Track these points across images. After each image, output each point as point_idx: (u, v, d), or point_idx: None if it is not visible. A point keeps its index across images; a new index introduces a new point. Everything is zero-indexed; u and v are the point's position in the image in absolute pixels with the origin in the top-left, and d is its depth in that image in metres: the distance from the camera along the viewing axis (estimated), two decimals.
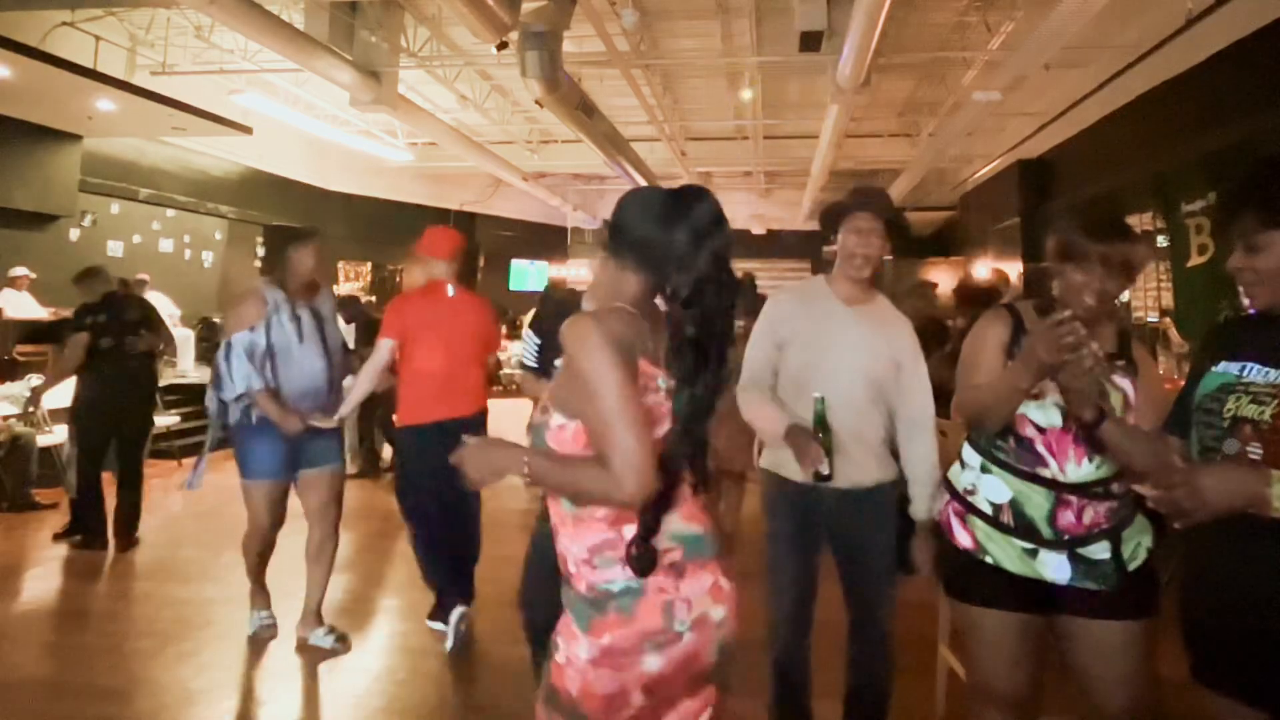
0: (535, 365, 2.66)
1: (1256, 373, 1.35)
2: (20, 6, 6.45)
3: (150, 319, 4.75)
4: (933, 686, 2.67)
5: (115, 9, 6.95)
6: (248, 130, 7.95)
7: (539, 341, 2.68)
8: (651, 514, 1.25)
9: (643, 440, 1.18)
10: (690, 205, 1.34)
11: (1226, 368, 1.40)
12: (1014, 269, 9.68)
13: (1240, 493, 1.24)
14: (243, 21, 5.65)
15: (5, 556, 4.43)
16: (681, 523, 1.30)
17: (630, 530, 1.26)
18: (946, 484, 1.89)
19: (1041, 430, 1.69)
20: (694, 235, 1.31)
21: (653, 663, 1.23)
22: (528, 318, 10.84)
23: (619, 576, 1.25)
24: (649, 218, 1.35)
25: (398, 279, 13.56)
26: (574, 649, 1.26)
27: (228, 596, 3.70)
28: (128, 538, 4.53)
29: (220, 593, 3.81)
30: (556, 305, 3.24)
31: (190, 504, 5.43)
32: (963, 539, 1.78)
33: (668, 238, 1.31)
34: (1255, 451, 1.30)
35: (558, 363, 1.95)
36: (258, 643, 3.24)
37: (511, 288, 15.37)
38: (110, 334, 4.50)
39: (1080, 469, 1.66)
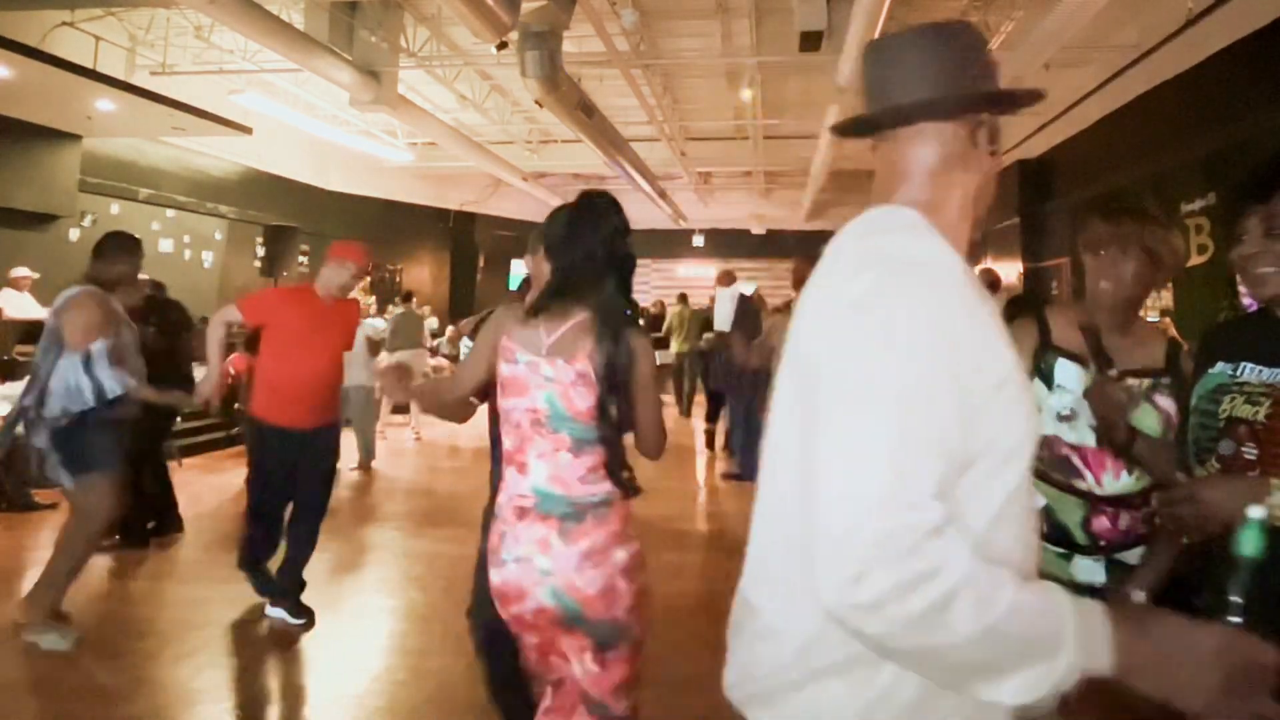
0: None
1: (1251, 372, 1.34)
2: (20, 6, 6.44)
3: (188, 320, 4.93)
4: None
5: (115, 9, 6.94)
6: (247, 130, 7.95)
7: None
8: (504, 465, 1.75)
9: (460, 386, 1.85)
10: (577, 206, 1.77)
11: (1223, 368, 1.39)
12: (1014, 269, 9.68)
13: (1242, 504, 1.22)
14: (242, 21, 5.65)
15: (5, 556, 4.42)
16: (545, 482, 1.66)
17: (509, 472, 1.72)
18: None
19: (1076, 448, 1.65)
20: (579, 227, 1.73)
21: (493, 574, 1.68)
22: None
23: (496, 501, 1.75)
24: (557, 223, 1.78)
25: (398, 279, 13.57)
26: None
27: (228, 596, 3.70)
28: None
29: (220, 593, 3.80)
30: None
31: (190, 504, 5.43)
32: None
33: (564, 232, 1.74)
34: (1250, 452, 1.29)
35: None
36: (258, 643, 3.24)
37: (511, 288, 15.34)
38: (163, 336, 4.59)
39: (1118, 482, 1.63)
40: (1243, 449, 1.31)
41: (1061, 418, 1.65)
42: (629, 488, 1.66)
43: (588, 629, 1.61)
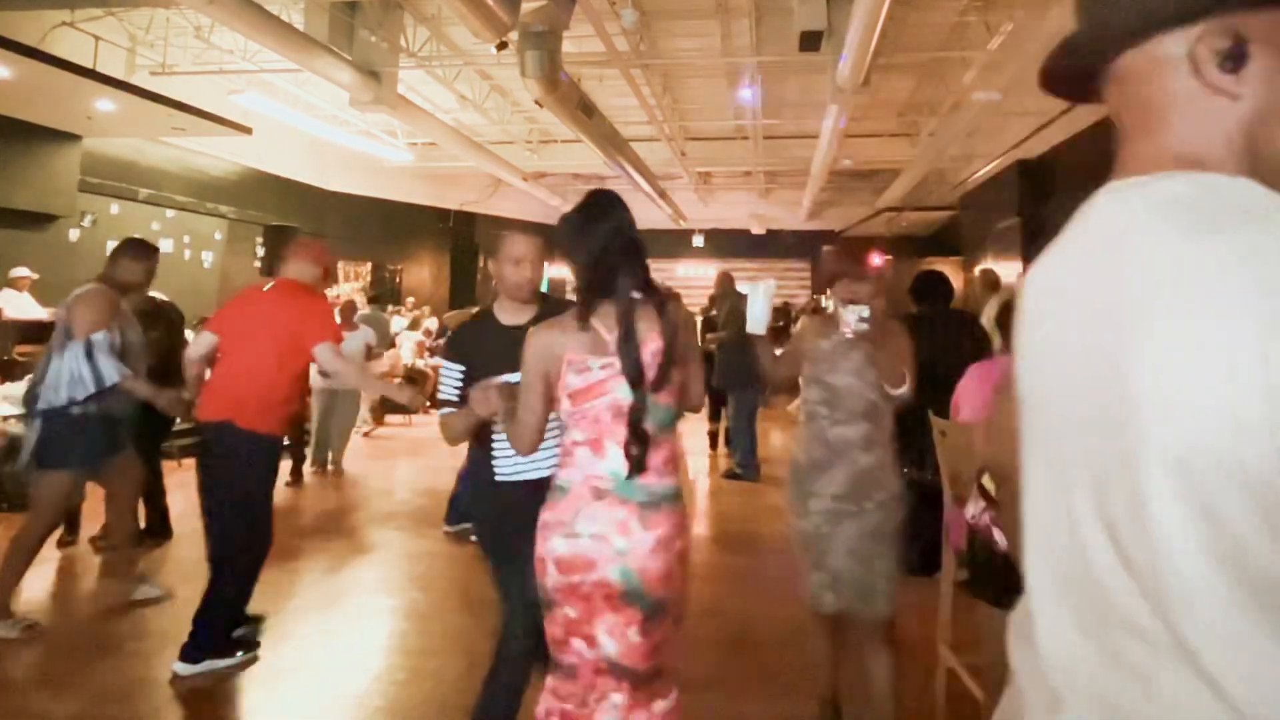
0: (457, 399, 2.21)
1: None
2: (20, 6, 6.44)
3: (183, 321, 4.99)
4: (932, 687, 2.67)
5: (115, 9, 6.94)
6: (247, 130, 7.95)
7: (462, 369, 2.20)
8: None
9: (526, 421, 1.80)
10: (584, 203, 1.86)
11: None
12: (1014, 269, 9.68)
13: None
14: (242, 21, 5.64)
15: None
16: (621, 468, 1.74)
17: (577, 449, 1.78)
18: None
19: None
20: (588, 222, 1.81)
21: (561, 544, 1.73)
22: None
23: (560, 476, 1.79)
24: (567, 225, 1.85)
25: (397, 279, 13.56)
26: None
27: None
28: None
29: None
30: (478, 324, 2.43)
31: (189, 504, 5.42)
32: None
33: (577, 232, 1.82)
34: None
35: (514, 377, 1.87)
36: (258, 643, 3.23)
37: None
38: (166, 335, 4.64)
39: None
40: None
41: None
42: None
43: (642, 605, 1.72)
